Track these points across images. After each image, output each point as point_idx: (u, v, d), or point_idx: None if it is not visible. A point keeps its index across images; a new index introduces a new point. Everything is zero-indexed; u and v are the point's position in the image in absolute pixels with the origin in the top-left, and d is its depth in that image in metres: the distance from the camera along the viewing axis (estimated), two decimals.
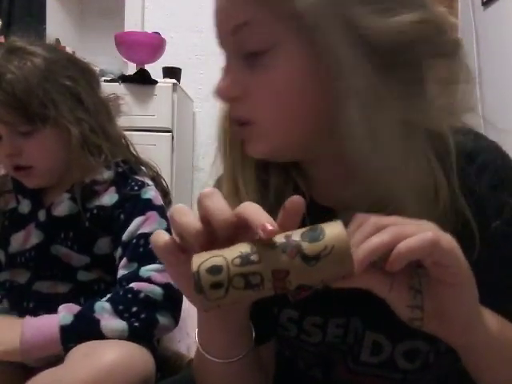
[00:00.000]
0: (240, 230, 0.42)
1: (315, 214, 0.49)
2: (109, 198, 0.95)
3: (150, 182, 0.99)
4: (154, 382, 0.88)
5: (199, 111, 2.86)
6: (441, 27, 0.48)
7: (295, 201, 0.41)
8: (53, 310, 0.90)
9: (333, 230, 0.39)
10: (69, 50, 2.69)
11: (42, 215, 0.96)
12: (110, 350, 0.81)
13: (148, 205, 0.95)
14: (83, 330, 0.83)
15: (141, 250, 0.91)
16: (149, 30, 2.74)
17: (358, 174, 0.49)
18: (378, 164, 0.47)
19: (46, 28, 3.10)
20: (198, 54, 2.91)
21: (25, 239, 0.95)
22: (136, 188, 0.96)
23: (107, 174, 0.96)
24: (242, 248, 0.40)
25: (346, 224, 0.42)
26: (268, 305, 0.63)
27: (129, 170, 0.99)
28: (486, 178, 0.53)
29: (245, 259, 0.39)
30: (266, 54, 0.48)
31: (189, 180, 2.73)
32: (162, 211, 0.96)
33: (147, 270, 0.89)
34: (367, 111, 0.46)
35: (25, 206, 0.97)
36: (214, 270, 0.39)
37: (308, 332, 0.63)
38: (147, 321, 0.86)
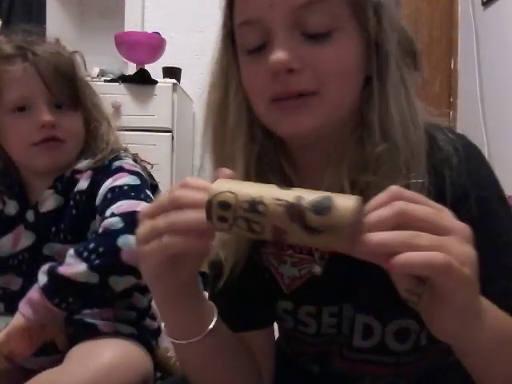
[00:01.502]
0: None
1: None
2: (85, 181, 0.94)
3: (126, 157, 0.98)
4: (152, 381, 0.88)
5: (199, 111, 2.85)
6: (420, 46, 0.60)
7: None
8: None
9: (342, 208, 0.39)
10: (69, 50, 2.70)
11: (30, 215, 0.94)
12: (108, 350, 0.81)
13: (118, 169, 0.94)
14: (57, 283, 0.81)
15: (108, 197, 0.89)
16: (149, 30, 2.74)
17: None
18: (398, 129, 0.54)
19: (46, 28, 3.11)
20: (198, 54, 2.91)
21: (14, 242, 0.94)
22: (107, 162, 0.96)
23: (86, 162, 0.96)
24: (254, 192, 0.42)
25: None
26: (263, 294, 0.65)
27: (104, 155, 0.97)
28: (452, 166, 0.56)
29: (252, 207, 0.41)
30: (332, 33, 0.52)
31: None
32: (135, 174, 0.94)
33: (110, 209, 0.86)
34: (397, 90, 0.55)
35: (11, 208, 0.95)
36: (224, 205, 0.42)
37: (304, 322, 0.65)
38: (107, 252, 0.81)
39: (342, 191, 0.51)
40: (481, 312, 0.45)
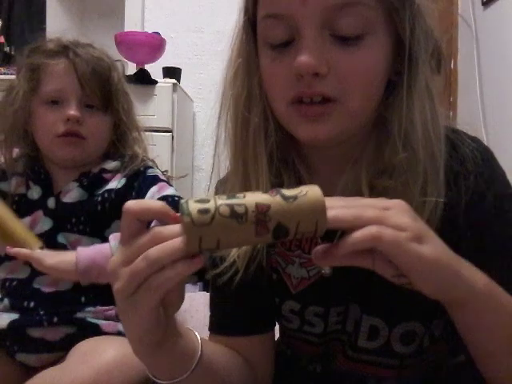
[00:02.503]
0: None
1: None
2: (117, 182, 0.99)
3: (155, 167, 1.05)
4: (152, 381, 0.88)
5: (199, 111, 2.86)
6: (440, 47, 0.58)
7: None
8: (53, 308, 0.90)
9: (309, 186, 0.43)
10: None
11: (51, 202, 0.97)
12: (109, 349, 0.81)
13: (156, 178, 1.00)
14: None
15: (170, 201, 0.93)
16: (149, 30, 2.74)
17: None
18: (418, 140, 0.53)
19: (46, 28, 3.11)
20: (197, 54, 2.91)
21: (30, 226, 0.96)
22: (142, 169, 1.01)
23: (115, 164, 1.01)
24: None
25: None
26: (270, 296, 0.65)
27: (132, 160, 1.03)
28: (470, 169, 0.57)
29: (231, 196, 0.43)
30: (364, 36, 0.51)
31: (189, 180, 2.73)
32: (170, 185, 1.01)
33: None
34: (426, 99, 0.54)
35: (34, 192, 0.99)
36: (202, 200, 0.42)
37: (310, 322, 0.65)
38: None
39: (359, 193, 0.53)
40: (460, 267, 0.45)
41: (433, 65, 0.58)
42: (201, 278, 0.91)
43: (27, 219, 0.97)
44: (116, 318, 0.93)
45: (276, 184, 0.57)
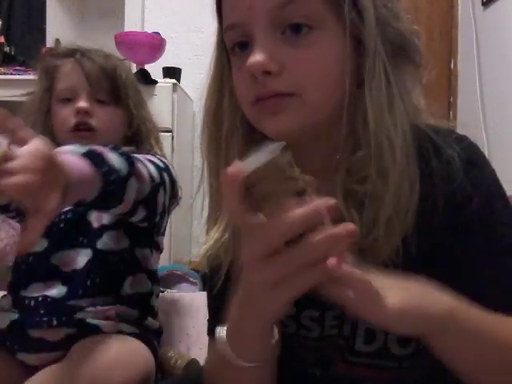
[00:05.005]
0: None
1: None
2: None
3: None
4: (153, 379, 0.89)
5: (199, 111, 2.85)
6: (419, 40, 0.58)
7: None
8: (53, 308, 0.90)
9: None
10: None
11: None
12: (110, 348, 0.81)
13: (153, 154, 1.04)
14: (95, 157, 0.74)
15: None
16: (149, 30, 2.74)
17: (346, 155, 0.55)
18: (381, 130, 0.53)
19: (46, 28, 3.11)
20: (197, 54, 2.91)
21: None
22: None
23: (128, 149, 1.01)
24: None
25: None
26: None
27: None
28: (456, 168, 0.57)
29: None
30: (311, 31, 0.52)
31: (189, 180, 2.73)
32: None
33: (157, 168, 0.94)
34: (382, 88, 0.54)
35: None
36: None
37: (306, 327, 0.65)
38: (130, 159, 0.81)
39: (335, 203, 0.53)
40: (425, 303, 0.47)
41: (403, 58, 0.57)
42: None
43: None
44: (116, 318, 0.93)
45: None
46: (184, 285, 1.92)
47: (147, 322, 0.98)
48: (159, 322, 1.04)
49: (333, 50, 0.54)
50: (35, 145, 0.52)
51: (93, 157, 0.69)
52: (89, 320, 0.91)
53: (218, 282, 0.61)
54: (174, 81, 2.35)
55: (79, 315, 0.91)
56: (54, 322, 0.90)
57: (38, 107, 1.06)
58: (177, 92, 2.34)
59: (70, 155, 0.65)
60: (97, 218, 0.98)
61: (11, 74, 2.47)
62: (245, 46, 0.55)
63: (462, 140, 0.60)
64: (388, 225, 0.53)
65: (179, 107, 2.36)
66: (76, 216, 0.97)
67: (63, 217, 0.97)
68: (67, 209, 0.97)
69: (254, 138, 0.59)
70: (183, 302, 1.29)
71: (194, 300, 1.31)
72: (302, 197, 0.42)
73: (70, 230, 0.97)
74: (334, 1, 0.53)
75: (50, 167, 0.52)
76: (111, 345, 0.83)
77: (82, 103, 1.02)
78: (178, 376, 0.93)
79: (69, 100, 1.04)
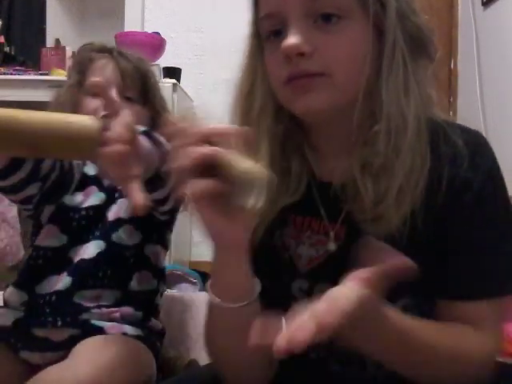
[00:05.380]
0: None
1: (317, 188, 0.67)
2: None
3: None
4: (155, 380, 0.89)
5: (199, 111, 2.85)
6: (433, 35, 0.65)
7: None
8: (59, 312, 0.91)
9: None
10: (69, 49, 2.70)
11: (106, 180, 1.02)
12: (112, 347, 0.82)
13: None
14: (153, 135, 0.76)
15: None
16: (149, 30, 2.74)
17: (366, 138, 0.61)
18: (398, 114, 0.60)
19: (46, 28, 3.11)
20: (197, 54, 2.91)
21: (83, 198, 1.00)
22: None
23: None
24: None
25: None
26: (279, 276, 0.69)
27: None
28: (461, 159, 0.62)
29: None
30: (340, 21, 0.59)
31: None
32: None
33: None
34: (400, 74, 0.60)
35: (91, 168, 1.03)
36: None
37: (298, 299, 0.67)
38: None
39: (354, 176, 0.61)
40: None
41: (420, 50, 0.63)
42: None
43: (80, 193, 1.01)
44: (120, 320, 0.93)
45: (285, 168, 0.66)
46: (184, 285, 1.92)
47: (151, 323, 0.98)
48: (162, 323, 1.04)
49: (358, 37, 0.60)
50: (125, 117, 0.59)
51: (151, 136, 0.72)
52: (93, 321, 0.91)
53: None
54: (173, 81, 2.35)
55: (84, 316, 0.91)
56: (59, 323, 0.90)
57: (67, 99, 1.06)
58: (177, 92, 2.34)
59: None
60: (114, 212, 0.99)
61: (11, 74, 2.48)
62: (279, 33, 0.61)
63: (468, 131, 0.66)
64: (399, 195, 0.59)
65: (179, 107, 2.35)
66: (96, 212, 0.99)
67: (84, 213, 0.98)
68: (88, 205, 0.98)
69: (282, 118, 0.65)
70: (183, 302, 1.29)
71: (194, 300, 1.31)
72: None
73: (89, 226, 0.98)
74: None
75: (135, 139, 0.60)
76: (114, 344, 0.83)
77: (112, 95, 1.02)
78: (178, 376, 0.93)
79: (98, 94, 1.04)
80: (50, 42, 3.04)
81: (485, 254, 0.62)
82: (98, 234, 0.97)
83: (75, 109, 1.05)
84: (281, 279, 0.69)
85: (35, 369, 0.84)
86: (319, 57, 0.59)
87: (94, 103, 1.03)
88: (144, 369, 0.83)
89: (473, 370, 0.59)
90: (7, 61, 2.65)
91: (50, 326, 0.90)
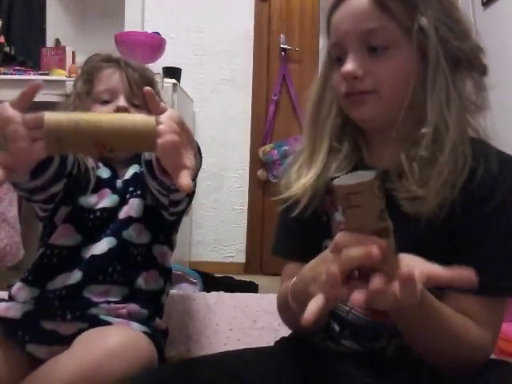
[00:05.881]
0: None
1: (362, 169, 0.78)
2: None
3: None
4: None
5: (199, 111, 2.86)
6: (481, 54, 0.77)
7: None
8: (69, 305, 0.91)
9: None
10: (69, 49, 2.70)
11: (119, 183, 1.05)
12: (114, 335, 0.83)
13: None
14: None
15: None
16: (149, 30, 2.75)
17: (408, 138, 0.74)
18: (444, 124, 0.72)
19: (45, 28, 3.11)
20: (197, 54, 2.91)
21: (97, 200, 1.02)
22: None
23: None
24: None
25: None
26: (314, 234, 0.82)
27: None
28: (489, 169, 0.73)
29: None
30: (387, 49, 0.73)
31: None
32: None
33: None
34: (444, 94, 0.73)
35: (104, 172, 1.06)
36: None
37: None
38: None
39: (400, 163, 0.73)
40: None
41: (468, 69, 0.76)
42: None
43: (94, 195, 1.03)
44: (128, 317, 0.95)
45: (338, 149, 0.80)
46: (184, 285, 1.92)
47: (155, 322, 1.00)
48: (165, 323, 1.05)
49: (403, 62, 0.73)
50: (172, 113, 0.67)
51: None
52: (101, 316, 0.93)
53: (295, 210, 0.79)
54: (174, 81, 2.35)
55: (93, 311, 0.93)
56: (68, 316, 0.92)
57: (76, 107, 1.08)
58: (177, 92, 2.34)
59: None
60: (125, 211, 1.01)
61: (11, 74, 2.48)
62: (343, 57, 0.76)
63: (504, 154, 0.78)
64: (441, 181, 0.69)
65: (179, 107, 2.36)
66: (109, 213, 1.01)
67: (98, 214, 1.00)
68: (102, 207, 1.01)
69: (343, 126, 0.81)
70: (183, 302, 1.30)
71: (194, 300, 1.31)
72: (383, 215, 0.54)
73: (102, 226, 1.00)
74: (406, 28, 0.72)
75: (185, 130, 0.67)
76: (116, 332, 0.85)
77: (122, 102, 1.06)
78: (155, 368, 0.93)
79: (106, 102, 1.08)
80: (50, 42, 3.04)
81: (496, 254, 0.70)
82: (109, 232, 1.00)
83: None
84: (316, 237, 0.82)
85: (39, 364, 0.85)
86: (370, 79, 0.73)
87: (103, 110, 1.06)
88: (145, 356, 0.84)
89: (467, 357, 0.69)
90: (7, 61, 2.65)
91: (59, 319, 0.92)
